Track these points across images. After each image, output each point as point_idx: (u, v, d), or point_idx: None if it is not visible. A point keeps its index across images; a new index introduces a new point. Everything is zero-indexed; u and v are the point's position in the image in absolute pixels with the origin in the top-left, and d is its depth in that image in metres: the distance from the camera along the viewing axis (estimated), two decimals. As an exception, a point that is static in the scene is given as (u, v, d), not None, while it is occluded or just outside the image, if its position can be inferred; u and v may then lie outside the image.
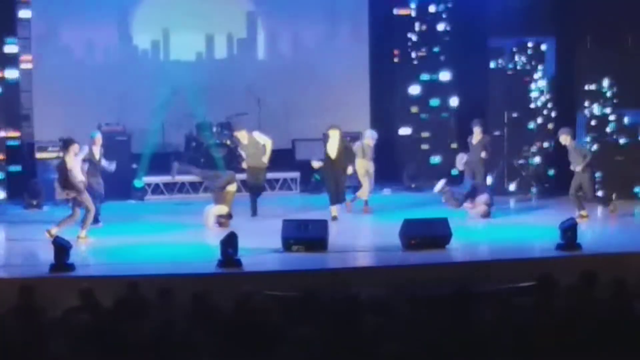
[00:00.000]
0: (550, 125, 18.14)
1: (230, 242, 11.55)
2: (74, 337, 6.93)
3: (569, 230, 12.28)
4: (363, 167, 15.81)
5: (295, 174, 18.62)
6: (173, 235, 13.92)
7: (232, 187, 14.76)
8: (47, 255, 11.48)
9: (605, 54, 17.28)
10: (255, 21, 19.66)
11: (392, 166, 19.01)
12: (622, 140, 17.23)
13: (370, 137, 16.12)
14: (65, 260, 11.33)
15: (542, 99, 18.31)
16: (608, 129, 17.34)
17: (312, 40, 19.89)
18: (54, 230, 13.19)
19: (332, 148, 15.10)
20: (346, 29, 19.89)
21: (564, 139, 15.17)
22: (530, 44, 18.32)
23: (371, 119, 19.67)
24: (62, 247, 11.37)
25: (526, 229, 14.23)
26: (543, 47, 18.29)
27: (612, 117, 17.35)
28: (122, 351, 6.48)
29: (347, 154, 15.23)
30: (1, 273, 11.39)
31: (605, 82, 17.39)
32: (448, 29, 19.38)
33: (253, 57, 19.76)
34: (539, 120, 18.33)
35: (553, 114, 18.25)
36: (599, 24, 17.27)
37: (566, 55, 18.00)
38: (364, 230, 14.57)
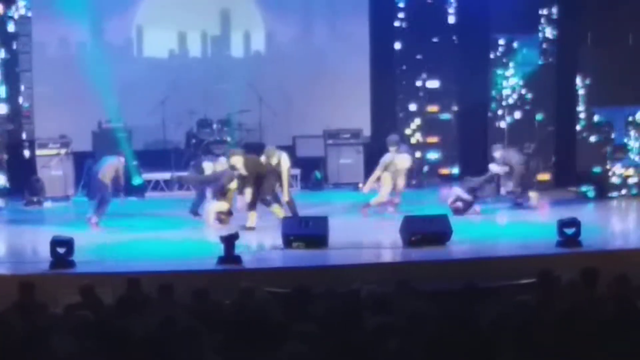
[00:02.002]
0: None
1: (230, 239, 11.56)
2: (74, 334, 6.93)
3: (569, 226, 12.27)
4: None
5: (296, 171, 18.61)
6: (173, 232, 13.93)
7: (232, 185, 14.75)
8: (47, 252, 11.47)
9: (605, 51, 17.28)
10: (254, 17, 19.65)
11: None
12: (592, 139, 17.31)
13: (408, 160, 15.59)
14: (65, 257, 11.33)
15: (515, 95, 18.33)
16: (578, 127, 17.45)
17: (314, 36, 19.87)
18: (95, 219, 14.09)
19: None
20: (348, 25, 19.82)
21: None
22: (501, 41, 18.33)
23: (371, 116, 19.68)
24: (62, 244, 11.37)
25: (526, 225, 14.23)
26: (515, 44, 18.32)
27: (582, 115, 17.46)
28: (123, 348, 6.47)
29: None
30: (2, 270, 11.39)
31: (578, 80, 17.44)
32: (450, 25, 19.36)
33: (254, 54, 19.76)
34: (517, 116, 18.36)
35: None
36: (599, 22, 17.26)
37: (567, 52, 17.99)
38: (365, 227, 14.55)
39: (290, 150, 18.95)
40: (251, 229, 13.91)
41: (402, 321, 7.00)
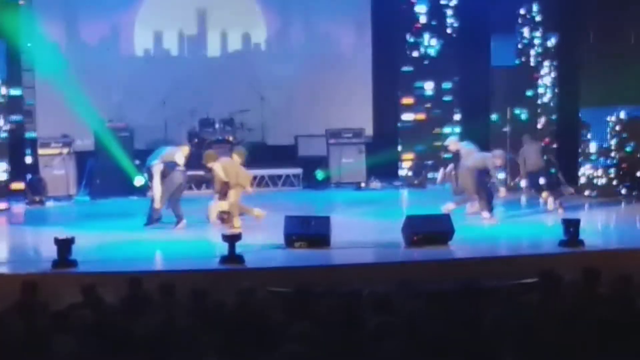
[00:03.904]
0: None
1: (233, 238, 11.55)
2: (75, 333, 6.92)
3: (572, 226, 12.26)
4: None
5: (298, 170, 18.63)
6: (175, 231, 13.91)
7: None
8: (49, 251, 11.48)
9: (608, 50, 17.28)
10: (256, 15, 19.64)
11: (394, 162, 19.05)
12: None
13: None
14: (67, 256, 11.33)
15: None
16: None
17: (316, 35, 19.87)
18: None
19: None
20: (349, 24, 19.85)
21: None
22: None
23: (373, 115, 19.68)
24: (64, 243, 11.36)
25: (529, 225, 14.21)
26: (491, 44, 18.45)
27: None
28: (124, 347, 6.47)
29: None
30: (4, 269, 11.39)
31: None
32: (452, 25, 19.40)
33: (256, 53, 19.76)
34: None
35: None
36: (602, 20, 17.24)
37: (569, 51, 17.99)
38: (367, 227, 14.55)
39: (292, 149, 19.02)
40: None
41: (404, 321, 6.99)
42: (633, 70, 16.89)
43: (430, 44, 19.37)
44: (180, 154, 14.32)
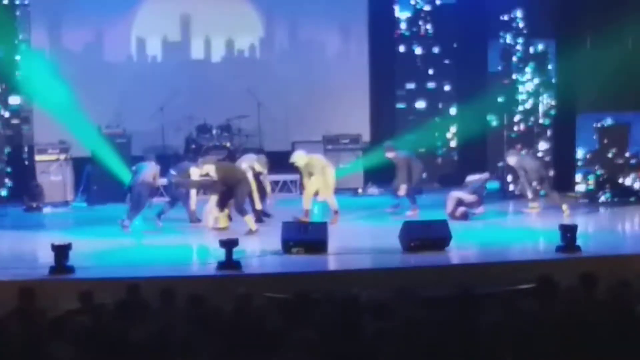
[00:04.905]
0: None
1: (230, 244, 11.55)
2: (73, 340, 6.93)
3: (569, 232, 12.27)
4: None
5: (295, 176, 18.61)
6: (172, 237, 13.92)
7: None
8: (46, 257, 11.47)
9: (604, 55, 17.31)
10: (258, 20, 19.66)
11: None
12: None
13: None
14: (65, 263, 11.32)
15: None
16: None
17: (313, 41, 19.89)
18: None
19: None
20: (346, 30, 19.87)
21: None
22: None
23: (370, 121, 19.68)
24: (61, 249, 11.36)
25: (525, 231, 14.23)
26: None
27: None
28: (121, 353, 6.47)
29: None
30: (1, 275, 11.38)
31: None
32: (448, 31, 19.43)
33: (253, 59, 19.77)
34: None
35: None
36: (599, 26, 17.27)
37: (566, 56, 18.01)
38: (364, 233, 14.56)
39: (289, 155, 19.00)
40: (253, 232, 13.89)
41: (401, 327, 6.99)
42: (629, 76, 16.92)
43: (399, 50, 19.42)
44: (245, 164, 14.88)
